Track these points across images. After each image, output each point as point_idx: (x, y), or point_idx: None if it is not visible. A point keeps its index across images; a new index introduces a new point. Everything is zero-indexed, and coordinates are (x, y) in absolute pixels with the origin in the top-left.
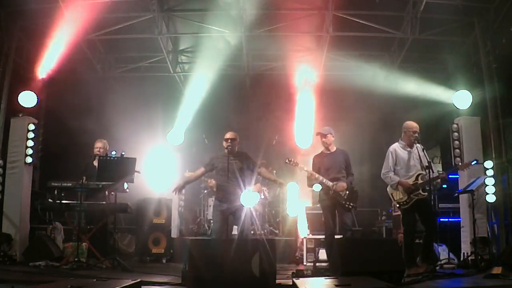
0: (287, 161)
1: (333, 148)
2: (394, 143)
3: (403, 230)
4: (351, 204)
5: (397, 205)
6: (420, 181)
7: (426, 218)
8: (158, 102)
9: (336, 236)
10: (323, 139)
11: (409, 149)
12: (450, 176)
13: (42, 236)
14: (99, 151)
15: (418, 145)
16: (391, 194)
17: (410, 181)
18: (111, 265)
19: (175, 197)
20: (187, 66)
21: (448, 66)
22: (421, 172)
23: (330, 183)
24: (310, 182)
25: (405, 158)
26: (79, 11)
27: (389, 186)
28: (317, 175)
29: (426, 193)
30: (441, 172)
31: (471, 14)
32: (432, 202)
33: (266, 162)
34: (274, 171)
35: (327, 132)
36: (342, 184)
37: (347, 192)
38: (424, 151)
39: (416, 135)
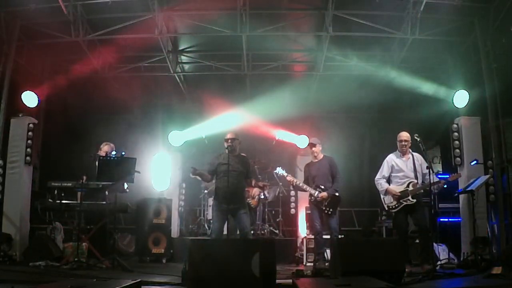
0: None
1: (320, 156)
2: (393, 143)
3: (396, 231)
4: (330, 209)
5: (386, 208)
6: (410, 188)
7: (417, 220)
8: (158, 102)
9: (324, 236)
10: (313, 149)
11: (403, 158)
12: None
13: (42, 236)
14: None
15: (416, 154)
16: (383, 198)
17: (401, 188)
18: (111, 265)
19: (175, 197)
20: (187, 66)
21: (448, 66)
22: (413, 180)
23: (313, 191)
24: (295, 189)
25: (399, 167)
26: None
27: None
28: (301, 184)
29: (415, 200)
30: (437, 180)
31: (471, 14)
32: (432, 203)
33: (266, 162)
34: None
35: (316, 142)
36: (323, 195)
37: (329, 199)
38: (425, 159)
39: (403, 143)
